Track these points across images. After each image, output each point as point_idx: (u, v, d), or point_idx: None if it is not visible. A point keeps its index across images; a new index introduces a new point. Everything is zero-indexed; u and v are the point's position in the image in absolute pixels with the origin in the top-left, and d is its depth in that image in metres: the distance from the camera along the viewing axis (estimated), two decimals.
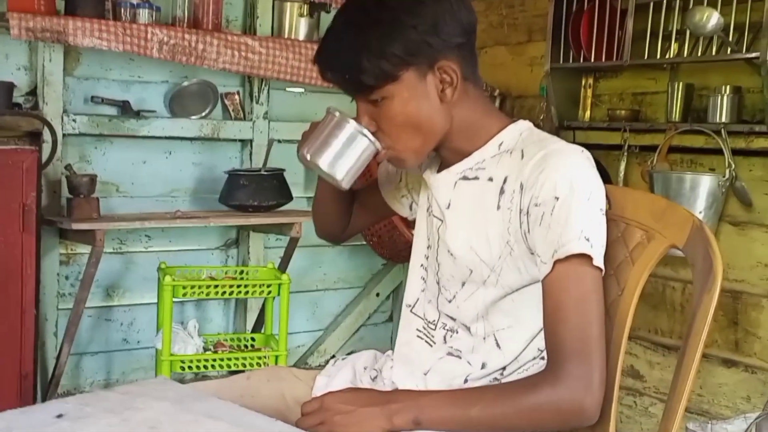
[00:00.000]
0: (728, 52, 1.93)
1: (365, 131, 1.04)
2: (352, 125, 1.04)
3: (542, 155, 1.00)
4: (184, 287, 2.25)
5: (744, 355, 2.07)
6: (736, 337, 2.09)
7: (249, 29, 2.68)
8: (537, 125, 2.76)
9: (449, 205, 1.09)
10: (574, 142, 2.40)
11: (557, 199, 0.97)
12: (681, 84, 2.11)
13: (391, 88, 1.00)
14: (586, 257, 0.97)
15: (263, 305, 2.57)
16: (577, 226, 0.97)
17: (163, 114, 2.58)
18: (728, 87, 2.00)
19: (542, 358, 1.05)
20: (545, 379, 0.96)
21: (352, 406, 0.98)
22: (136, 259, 2.61)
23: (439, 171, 1.11)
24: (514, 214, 1.01)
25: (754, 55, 1.85)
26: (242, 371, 2.42)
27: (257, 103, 2.70)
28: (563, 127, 2.40)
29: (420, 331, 1.14)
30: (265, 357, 2.37)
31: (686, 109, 2.11)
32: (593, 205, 0.99)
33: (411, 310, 1.16)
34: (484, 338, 1.06)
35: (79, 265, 2.48)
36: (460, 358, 1.08)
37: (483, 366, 1.07)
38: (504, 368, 1.07)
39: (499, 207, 1.03)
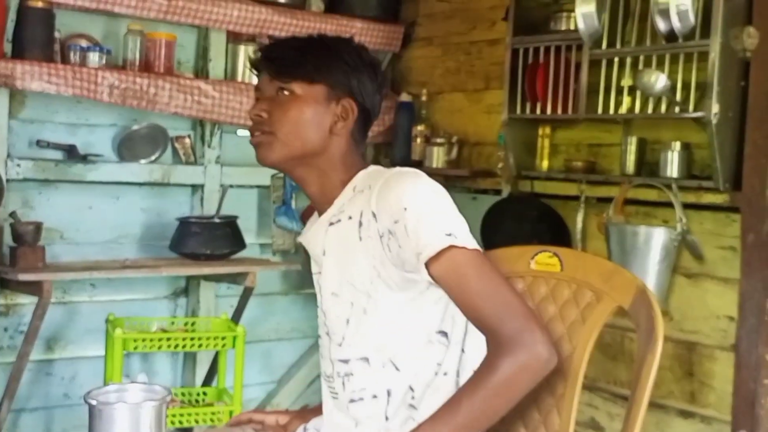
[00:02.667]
0: (676, 110, 2.13)
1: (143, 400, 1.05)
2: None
3: (382, 182, 1.21)
4: (135, 340, 2.31)
5: (700, 406, 2.23)
6: (692, 388, 2.25)
7: (201, 72, 2.78)
8: (495, 174, 2.91)
9: (324, 251, 1.28)
10: (532, 192, 2.58)
11: (406, 209, 1.16)
12: (634, 138, 2.30)
13: (301, 87, 1.24)
14: (455, 248, 1.14)
15: (215, 357, 2.64)
16: (435, 226, 1.15)
17: (111, 158, 2.65)
18: (678, 143, 2.19)
19: (445, 374, 1.22)
20: (498, 354, 1.12)
21: None
22: (79, 309, 2.65)
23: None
24: (375, 241, 1.19)
25: (700, 114, 2.04)
26: (191, 429, 2.48)
27: (209, 146, 2.79)
28: (521, 176, 2.57)
29: (329, 391, 1.29)
30: (218, 412, 2.43)
31: (640, 163, 2.30)
32: (441, 202, 1.19)
33: (324, 378, 1.32)
34: (383, 365, 1.22)
35: (19, 315, 2.52)
36: (363, 399, 1.23)
37: (389, 393, 1.21)
38: (413, 391, 1.21)
39: (361, 238, 1.22)
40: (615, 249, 2.23)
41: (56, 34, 2.47)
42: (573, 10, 2.30)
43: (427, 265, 1.14)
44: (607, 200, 2.31)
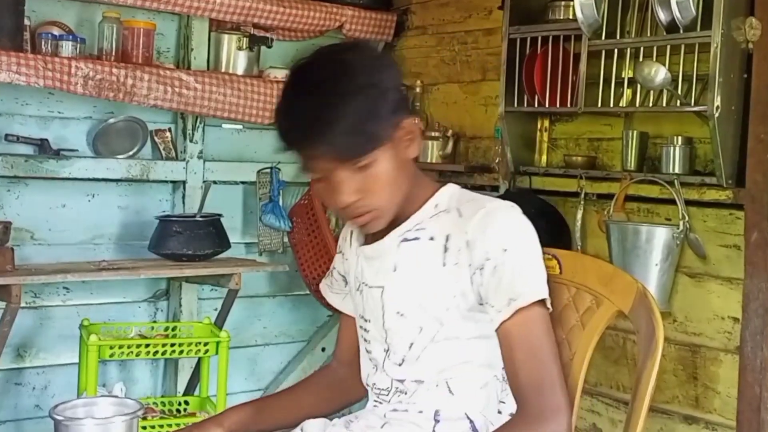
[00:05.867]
0: (678, 104, 2.21)
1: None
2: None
3: (483, 213, 1.24)
4: (111, 347, 2.36)
5: (704, 411, 2.32)
6: (696, 392, 2.33)
7: (183, 62, 2.83)
8: (492, 169, 2.98)
9: (395, 267, 1.30)
10: (530, 188, 2.66)
11: (505, 251, 1.22)
12: (635, 132, 2.37)
13: (374, 153, 1.20)
14: (540, 301, 1.23)
15: (197, 364, 2.69)
16: (529, 274, 1.23)
17: (86, 153, 2.69)
18: (680, 138, 2.27)
19: (510, 414, 1.27)
20: (524, 421, 1.18)
21: None
22: (52, 314, 2.69)
23: (374, 240, 1.33)
24: (463, 270, 1.24)
25: (702, 108, 2.12)
26: None
27: (191, 141, 2.84)
28: (519, 172, 2.64)
29: (376, 401, 1.35)
30: None
31: (641, 158, 2.38)
32: (536, 253, 1.26)
33: (366, 383, 1.38)
34: (437, 385, 1.28)
35: None
36: (407, 411, 1.29)
37: (437, 414, 1.27)
38: (471, 422, 1.26)
39: (444, 264, 1.25)
40: (616, 248, 2.31)
41: (26, 22, 2.50)
42: None
43: (515, 311, 1.20)
44: (608, 197, 2.39)
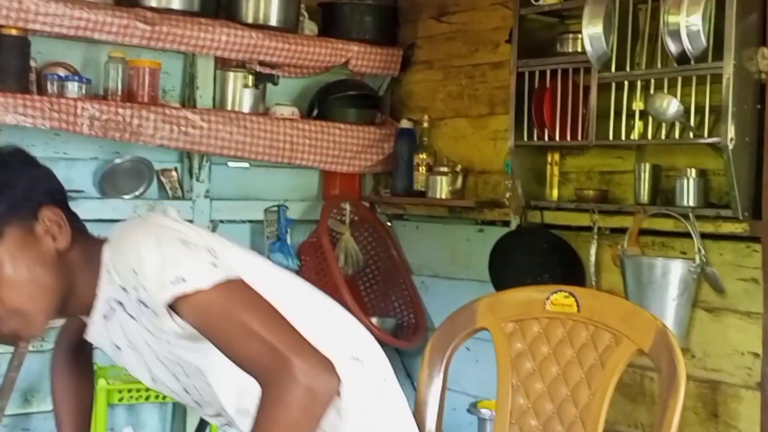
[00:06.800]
0: (691, 136, 2.22)
1: None
2: None
3: (112, 255, 1.18)
4: (120, 391, 2.36)
5: None
6: (717, 430, 2.31)
7: (188, 101, 2.87)
8: (502, 204, 2.98)
9: (118, 347, 1.28)
10: (542, 222, 2.66)
11: (135, 272, 1.14)
12: (648, 165, 2.39)
13: None
14: (190, 295, 1.11)
15: None
16: (159, 278, 1.12)
17: (92, 194, 2.72)
18: (694, 170, 2.28)
19: None
20: (270, 394, 1.09)
21: None
22: None
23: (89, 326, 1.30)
24: (145, 312, 1.18)
25: (715, 140, 2.14)
26: None
27: (197, 180, 2.87)
28: (530, 206, 2.65)
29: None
30: None
31: (654, 191, 2.39)
32: (159, 248, 1.15)
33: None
34: (238, 413, 1.26)
35: None
36: None
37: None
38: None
39: (137, 318, 1.21)
40: (631, 283, 2.31)
41: (32, 63, 2.53)
42: (579, 32, 2.39)
43: (182, 319, 1.14)
44: (622, 231, 2.39)
